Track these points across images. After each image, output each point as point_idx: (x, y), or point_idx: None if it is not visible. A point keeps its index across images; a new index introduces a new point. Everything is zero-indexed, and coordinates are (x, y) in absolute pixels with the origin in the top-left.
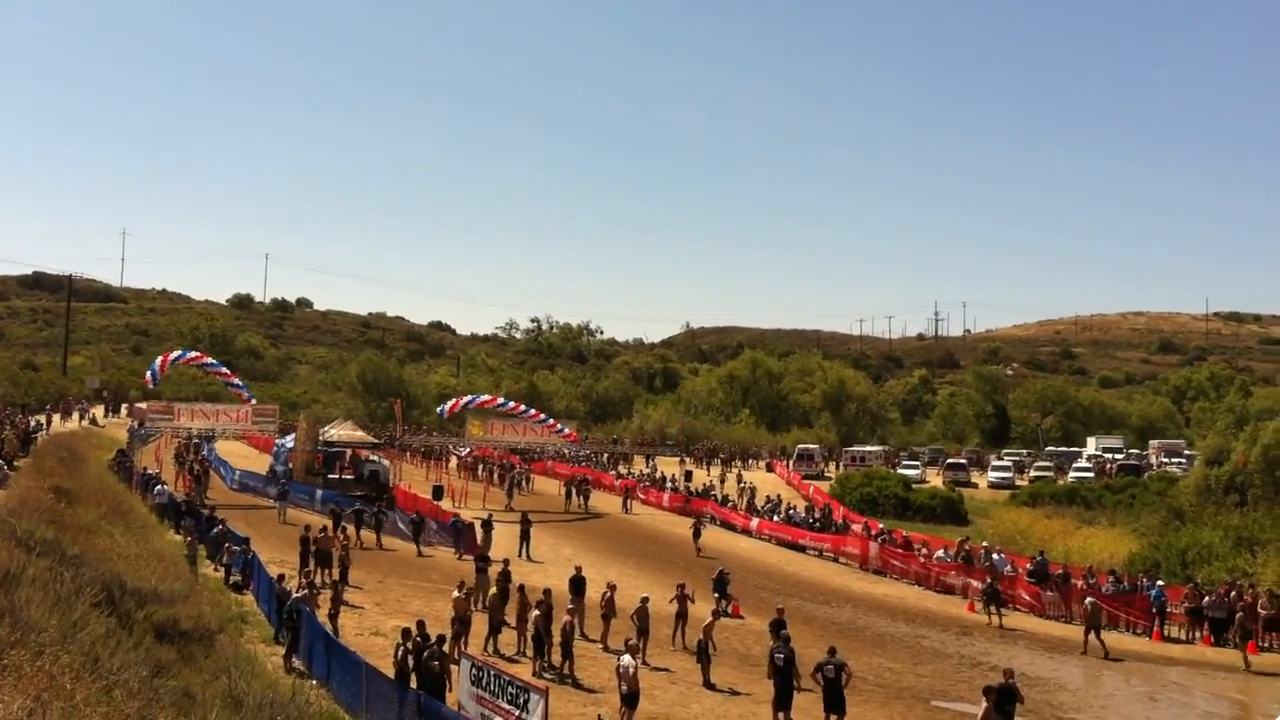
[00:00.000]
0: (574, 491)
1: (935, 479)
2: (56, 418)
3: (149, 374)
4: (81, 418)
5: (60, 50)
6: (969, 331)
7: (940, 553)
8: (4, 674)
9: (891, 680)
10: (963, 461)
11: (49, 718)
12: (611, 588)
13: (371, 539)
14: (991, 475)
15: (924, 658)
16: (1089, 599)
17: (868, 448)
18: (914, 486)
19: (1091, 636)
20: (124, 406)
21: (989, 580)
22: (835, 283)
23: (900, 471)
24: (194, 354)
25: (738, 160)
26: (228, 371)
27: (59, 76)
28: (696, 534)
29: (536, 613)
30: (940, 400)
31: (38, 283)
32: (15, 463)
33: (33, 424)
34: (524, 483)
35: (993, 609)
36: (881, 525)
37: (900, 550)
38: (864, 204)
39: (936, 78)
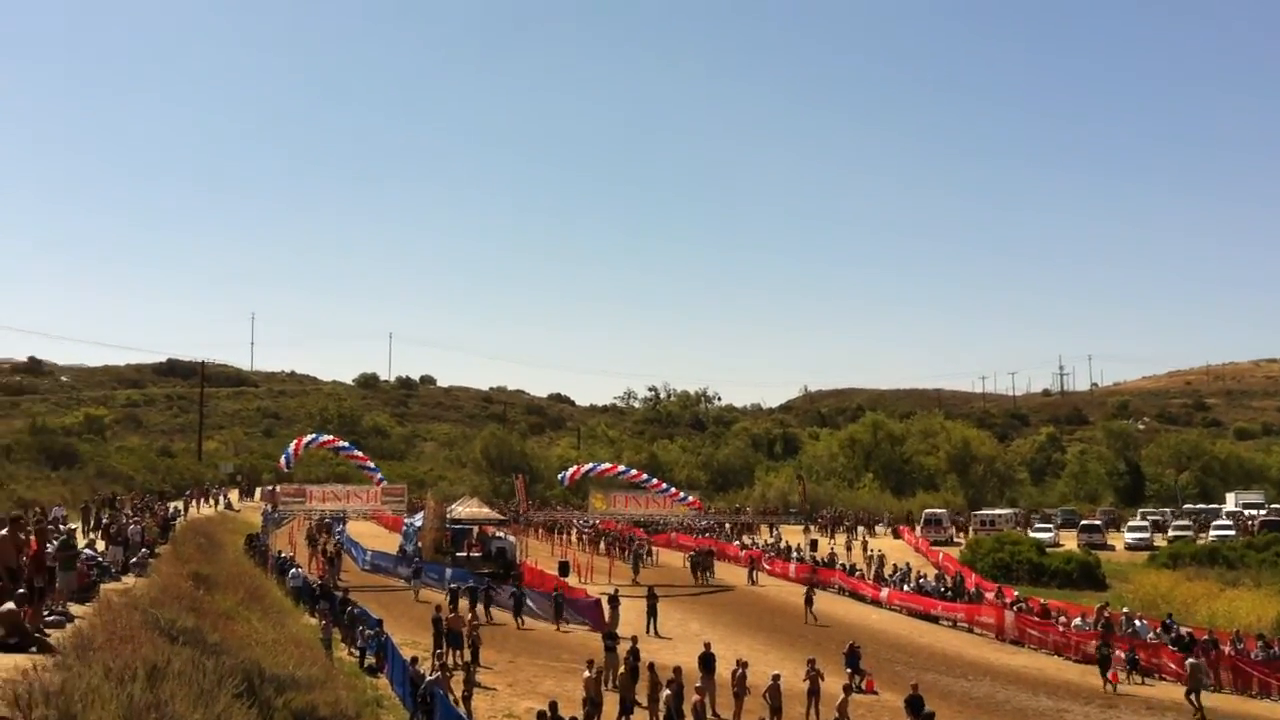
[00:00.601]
0: (698, 566)
1: (1070, 541)
2: (194, 503)
3: (283, 458)
4: (217, 503)
5: (187, 143)
6: (1096, 385)
7: (1077, 620)
8: None
9: None
10: (1098, 523)
11: None
12: (743, 665)
13: (498, 615)
14: (1129, 536)
15: None
16: (1190, 660)
17: (997, 510)
18: (1048, 550)
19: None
20: (257, 490)
21: (1100, 642)
22: (954, 339)
23: (1033, 535)
24: (327, 437)
25: (851, 217)
26: (361, 455)
27: (187, 170)
28: (809, 601)
29: (668, 692)
30: (1070, 458)
31: (172, 369)
32: (155, 549)
33: (171, 510)
34: (646, 555)
35: (1118, 673)
36: (1016, 592)
37: (1038, 619)
38: (982, 257)
39: (1057, 122)
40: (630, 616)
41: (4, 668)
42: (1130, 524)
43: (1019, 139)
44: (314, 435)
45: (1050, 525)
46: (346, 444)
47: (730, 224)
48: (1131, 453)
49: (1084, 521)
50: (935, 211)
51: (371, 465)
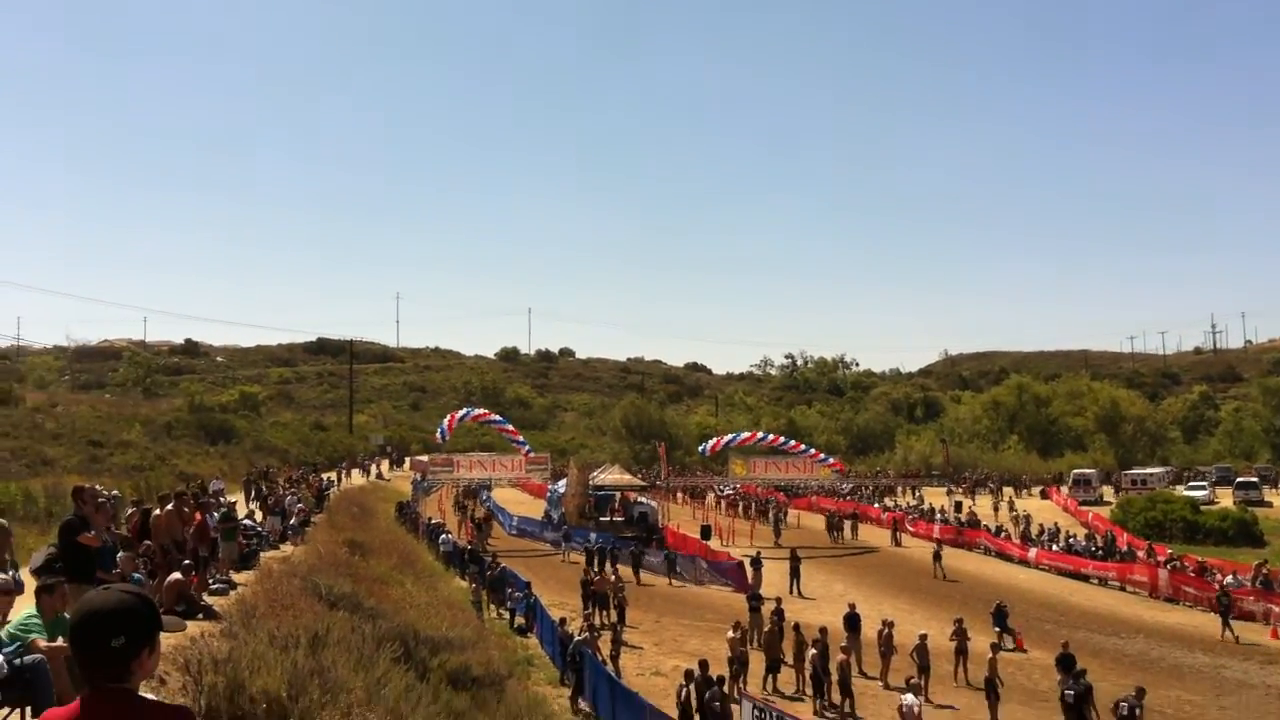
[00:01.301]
0: (833, 525)
1: (1225, 499)
2: (346, 474)
3: (438, 433)
4: (367, 473)
5: (332, 134)
6: (1250, 342)
7: (1230, 578)
8: None
9: (1193, 714)
10: (1254, 480)
11: None
12: (889, 624)
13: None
14: None
15: (1227, 689)
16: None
17: (1149, 469)
18: (1202, 508)
19: None
20: (406, 460)
21: (1220, 592)
22: (1101, 299)
23: (1186, 493)
24: (479, 412)
25: (990, 175)
26: (512, 428)
27: (333, 159)
28: (936, 558)
29: (813, 651)
30: (1224, 416)
31: (321, 348)
32: (311, 519)
33: (325, 481)
34: (783, 517)
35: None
36: (1169, 550)
37: (1194, 576)
38: (1129, 212)
39: (1203, 69)
40: (773, 578)
41: (175, 635)
42: None
43: (1163, 88)
44: (466, 410)
45: (1204, 483)
46: (498, 418)
47: (865, 187)
48: None
49: (1240, 479)
50: (1078, 166)
51: (520, 439)
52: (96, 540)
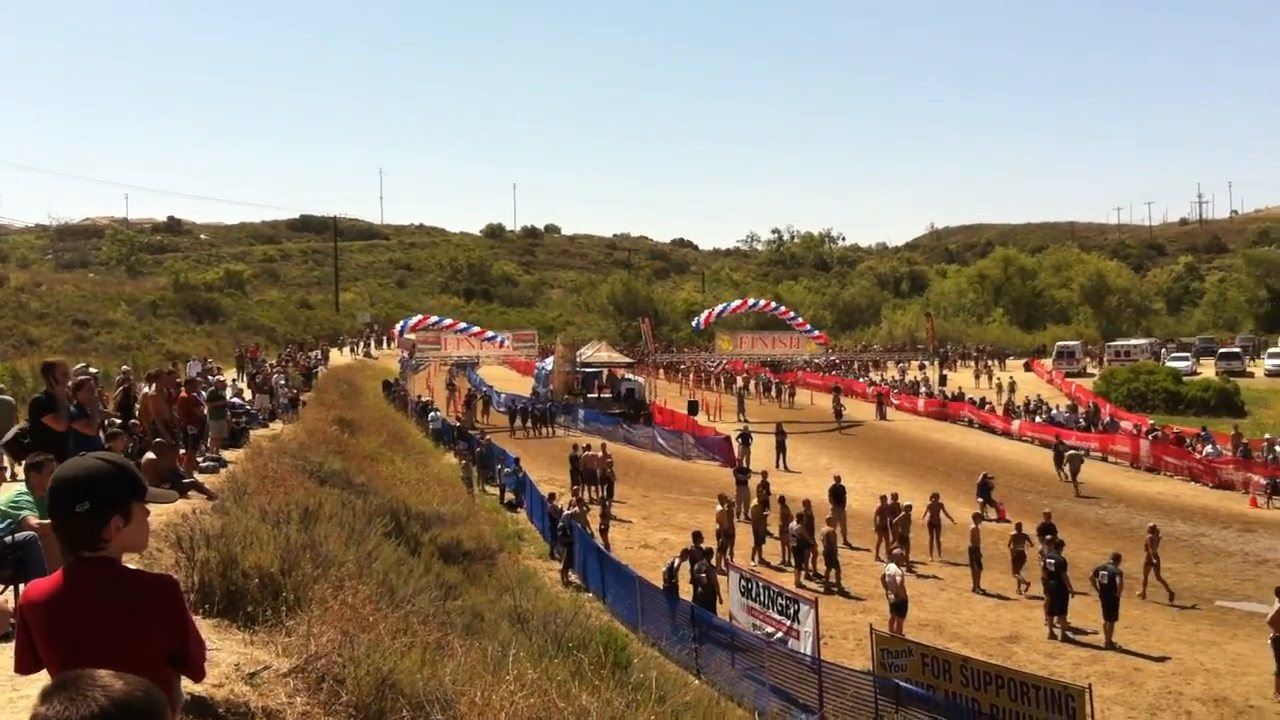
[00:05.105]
0: (789, 392)
1: (1208, 370)
2: (334, 351)
3: (397, 330)
4: (354, 351)
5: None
6: (1236, 213)
7: (1210, 448)
8: (310, 607)
9: (1172, 580)
10: (1237, 350)
11: (357, 650)
12: (881, 498)
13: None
14: (1269, 363)
15: (1205, 556)
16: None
17: (1132, 341)
18: (1185, 379)
19: None
20: (384, 339)
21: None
22: (1088, 170)
23: (1169, 364)
24: (448, 322)
25: (975, 39)
26: (478, 330)
27: (314, 30)
28: (838, 415)
29: (797, 525)
30: (1209, 287)
31: (305, 225)
32: (300, 397)
33: (313, 359)
34: (748, 391)
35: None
36: (1151, 421)
37: (1175, 446)
38: (1115, 81)
39: None
40: (759, 453)
41: (165, 511)
42: (1271, 351)
43: None
44: (436, 320)
45: (1186, 354)
46: (464, 325)
47: (849, 54)
48: (1273, 280)
49: (1222, 350)
50: (1064, 31)
51: (490, 334)
52: (61, 424)
